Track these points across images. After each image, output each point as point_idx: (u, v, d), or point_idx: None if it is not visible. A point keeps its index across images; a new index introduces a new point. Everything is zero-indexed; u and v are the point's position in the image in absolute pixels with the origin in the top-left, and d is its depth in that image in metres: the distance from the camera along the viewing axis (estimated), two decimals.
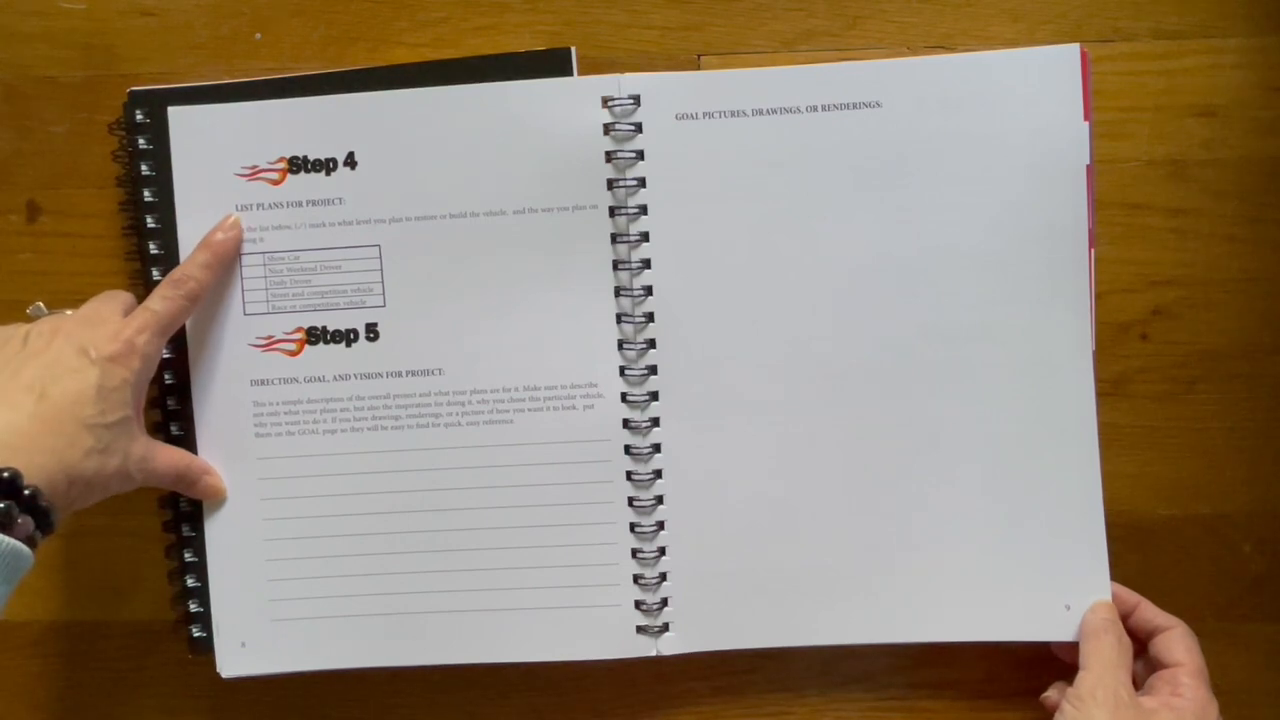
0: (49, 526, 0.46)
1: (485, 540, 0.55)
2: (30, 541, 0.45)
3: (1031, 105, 0.52)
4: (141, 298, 0.56)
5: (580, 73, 0.54)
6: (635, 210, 0.54)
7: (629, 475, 0.54)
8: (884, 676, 0.56)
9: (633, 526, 0.54)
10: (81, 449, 0.48)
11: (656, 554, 0.54)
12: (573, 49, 0.54)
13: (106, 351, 0.49)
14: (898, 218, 0.53)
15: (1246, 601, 0.55)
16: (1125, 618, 0.53)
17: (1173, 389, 0.55)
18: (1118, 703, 0.49)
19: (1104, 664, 0.50)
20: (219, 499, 0.55)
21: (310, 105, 0.54)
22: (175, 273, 0.53)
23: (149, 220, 0.55)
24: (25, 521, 0.45)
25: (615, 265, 0.54)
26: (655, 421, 0.54)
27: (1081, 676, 0.50)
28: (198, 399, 0.55)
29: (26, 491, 0.45)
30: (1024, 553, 0.53)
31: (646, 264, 0.54)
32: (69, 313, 0.52)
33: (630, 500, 0.54)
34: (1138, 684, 0.52)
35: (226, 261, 0.54)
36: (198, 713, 0.59)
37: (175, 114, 0.55)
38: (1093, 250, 0.53)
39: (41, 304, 0.54)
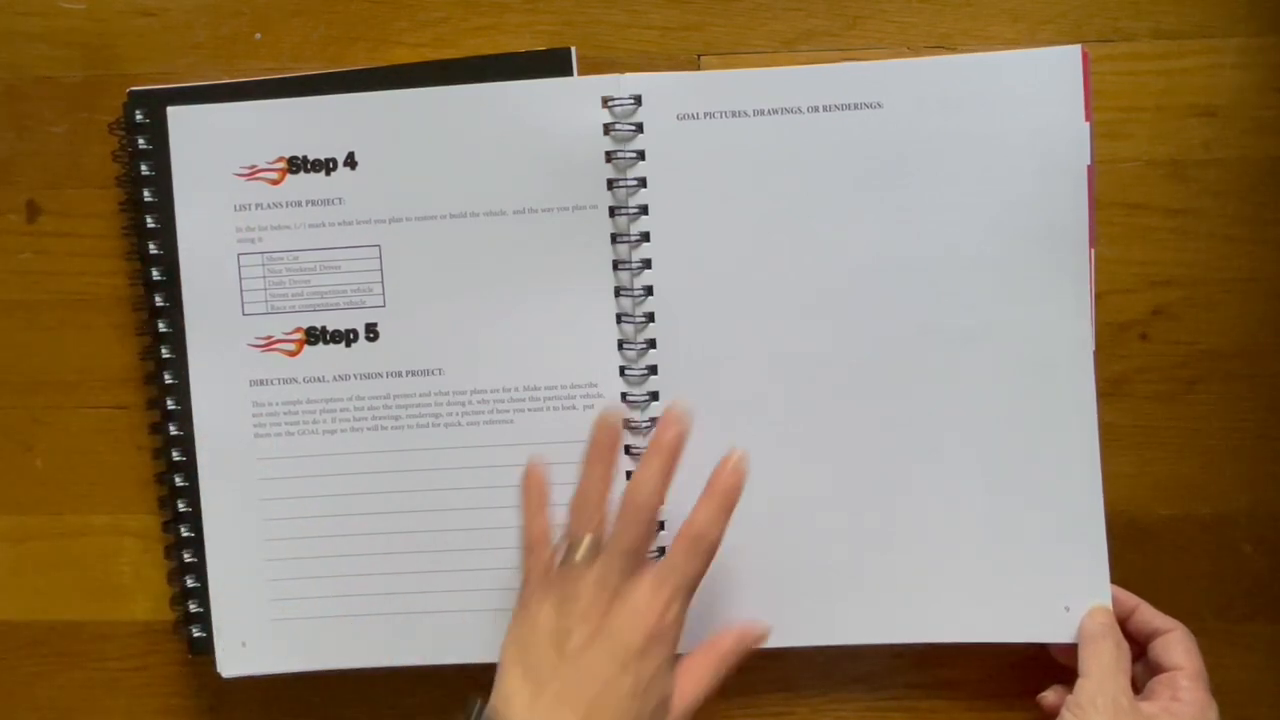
0: None
1: (485, 540, 0.55)
2: None
3: (1032, 106, 0.52)
4: (142, 298, 0.56)
5: (580, 73, 0.54)
6: (635, 210, 0.54)
7: (629, 475, 0.54)
8: (884, 676, 0.56)
9: None
10: None
11: (656, 554, 0.54)
12: (573, 49, 0.54)
13: (639, 643, 0.47)
14: (898, 218, 0.53)
15: (1246, 601, 0.55)
16: (1124, 621, 0.53)
17: (1172, 389, 0.55)
18: (1117, 709, 0.48)
19: (1103, 670, 0.50)
20: (765, 640, 0.51)
21: (310, 105, 0.54)
22: (691, 527, 0.48)
23: (149, 220, 0.55)
24: None
25: (615, 265, 0.54)
26: (655, 421, 0.54)
27: (1081, 683, 0.50)
28: (197, 399, 0.55)
29: None
30: (1024, 554, 0.53)
31: (647, 264, 0.54)
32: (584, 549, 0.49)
33: None
34: (1137, 687, 0.52)
35: (735, 505, 0.49)
36: (198, 713, 0.59)
37: (175, 114, 0.55)
38: (1093, 250, 0.53)
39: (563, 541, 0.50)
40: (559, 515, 0.51)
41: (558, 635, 0.48)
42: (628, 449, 0.54)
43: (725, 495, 0.49)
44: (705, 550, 0.48)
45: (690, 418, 0.49)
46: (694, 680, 0.49)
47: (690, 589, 0.49)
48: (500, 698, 0.47)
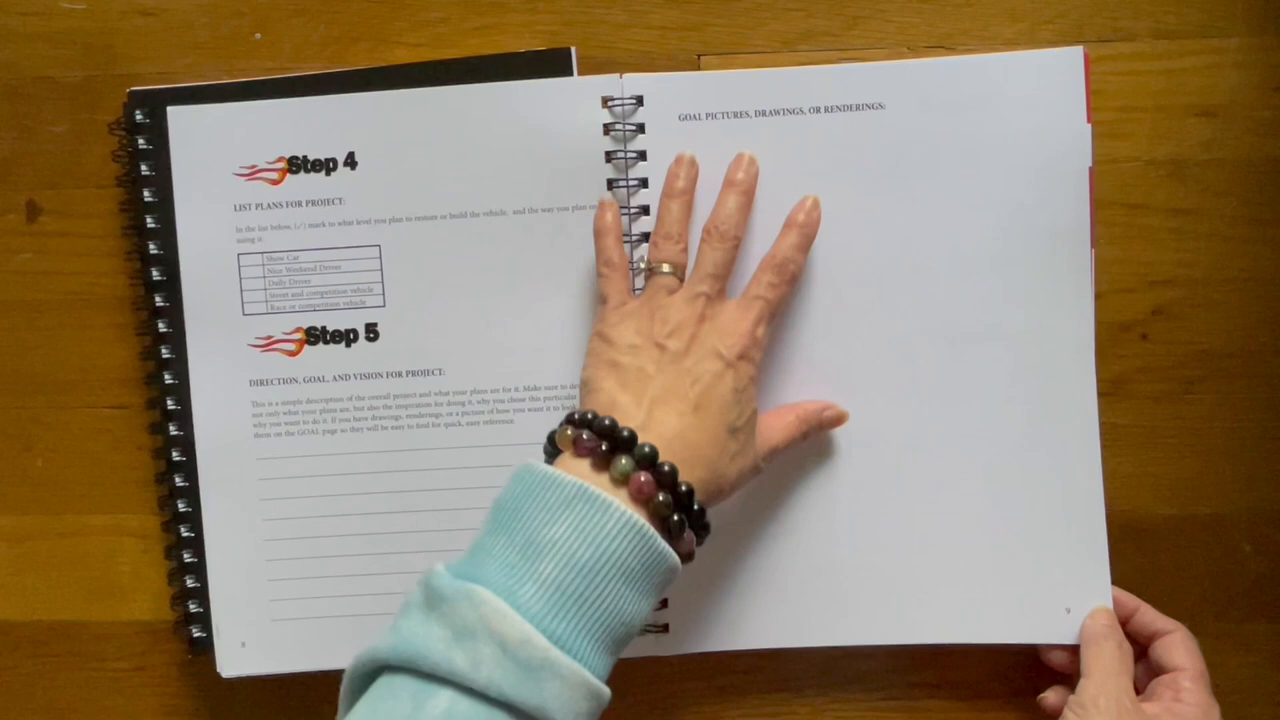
0: (703, 540, 0.47)
1: None
2: (688, 557, 0.46)
3: (1034, 107, 0.52)
4: (142, 298, 0.56)
5: (580, 73, 0.54)
6: (636, 210, 0.54)
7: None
8: (884, 676, 0.56)
9: None
10: (728, 455, 0.47)
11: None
12: (573, 49, 0.54)
13: (736, 350, 0.48)
14: (899, 219, 0.53)
15: (1246, 601, 0.55)
16: (1125, 622, 0.53)
17: (1172, 389, 0.55)
18: (1120, 710, 0.48)
19: (1105, 671, 0.50)
20: (845, 422, 0.53)
21: (310, 105, 0.54)
22: (774, 258, 0.50)
23: (149, 220, 0.55)
24: (689, 538, 0.46)
25: None
26: None
27: (1083, 684, 0.50)
28: (197, 399, 0.55)
29: (696, 508, 0.45)
30: (1024, 555, 0.53)
31: None
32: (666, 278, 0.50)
33: None
34: (1138, 689, 0.52)
35: (813, 240, 0.52)
36: (198, 713, 0.59)
37: (175, 114, 0.55)
38: (1093, 250, 0.53)
39: (642, 260, 0.52)
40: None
41: (654, 346, 0.48)
42: None
43: (804, 228, 0.51)
44: (790, 277, 0.50)
45: (757, 162, 0.52)
46: (781, 425, 0.51)
47: (774, 313, 0.50)
48: (599, 404, 0.47)
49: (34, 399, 0.58)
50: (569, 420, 0.46)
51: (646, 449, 0.45)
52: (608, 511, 0.43)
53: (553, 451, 0.47)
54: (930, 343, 0.53)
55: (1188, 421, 0.55)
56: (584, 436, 0.45)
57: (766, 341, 0.50)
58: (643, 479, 0.44)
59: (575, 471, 0.44)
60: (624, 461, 0.44)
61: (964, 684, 0.56)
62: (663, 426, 0.46)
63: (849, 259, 0.53)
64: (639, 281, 0.52)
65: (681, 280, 0.50)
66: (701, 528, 0.46)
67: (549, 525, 0.42)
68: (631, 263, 0.53)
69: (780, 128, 0.53)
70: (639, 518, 0.43)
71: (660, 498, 0.44)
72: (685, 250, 0.50)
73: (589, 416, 0.46)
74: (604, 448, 0.45)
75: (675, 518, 0.44)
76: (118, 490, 0.58)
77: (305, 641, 0.55)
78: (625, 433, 0.45)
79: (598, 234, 0.51)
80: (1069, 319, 0.53)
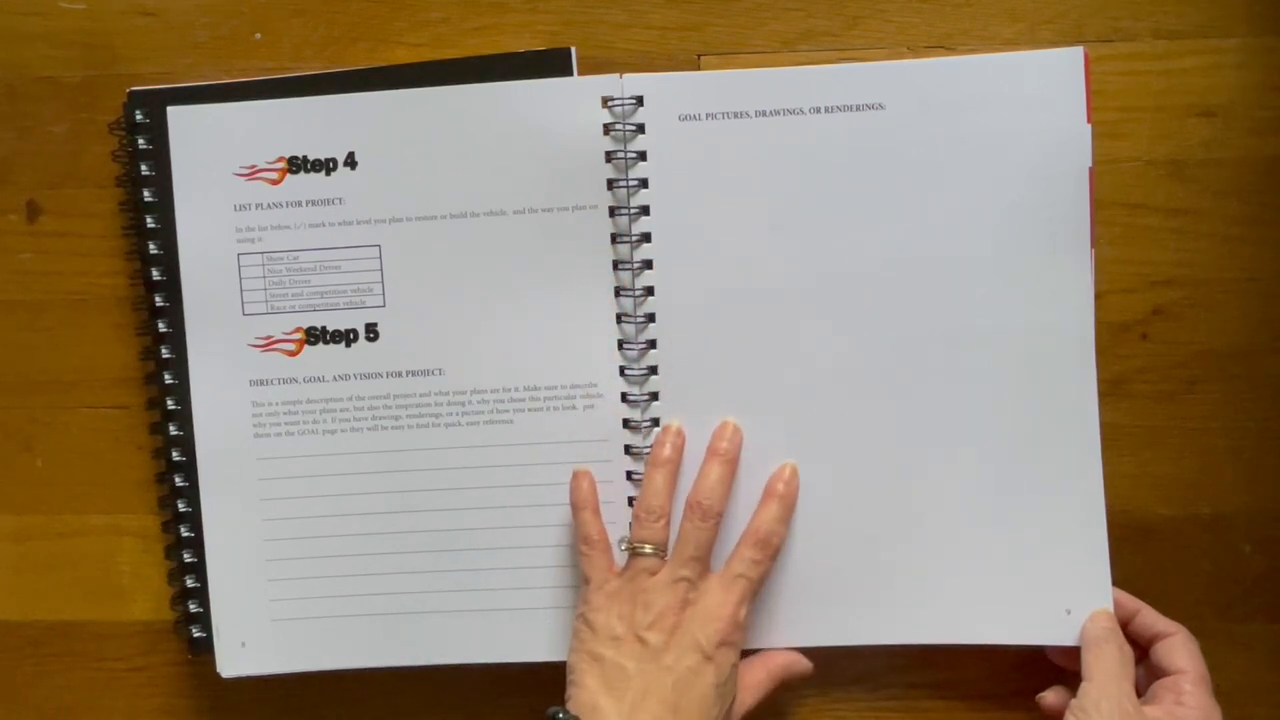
0: None
1: (485, 540, 0.55)
2: None
3: (1034, 108, 0.52)
4: (142, 298, 0.56)
5: (580, 73, 0.54)
6: (636, 210, 0.53)
7: (629, 475, 0.54)
8: (884, 676, 0.56)
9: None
10: None
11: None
12: (573, 49, 0.54)
13: (717, 638, 0.49)
14: (900, 219, 0.53)
15: (1246, 601, 0.55)
16: (1125, 624, 0.53)
17: (1173, 389, 0.55)
18: (1122, 714, 0.48)
19: (1107, 674, 0.50)
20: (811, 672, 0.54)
21: (310, 105, 0.54)
22: (757, 532, 0.51)
23: (149, 220, 0.55)
24: None
25: (616, 265, 0.54)
26: (655, 422, 0.54)
27: (1085, 687, 0.50)
28: (197, 399, 0.55)
29: None
30: (1025, 556, 0.53)
31: (648, 264, 0.53)
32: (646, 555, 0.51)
33: (630, 500, 0.54)
34: (1139, 691, 0.51)
35: (793, 510, 0.52)
36: (198, 713, 0.59)
37: (175, 114, 0.55)
38: (1093, 250, 0.53)
39: (624, 540, 0.52)
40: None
41: (633, 639, 0.49)
42: (627, 449, 0.54)
43: (785, 499, 0.52)
44: (772, 552, 0.51)
45: (741, 431, 0.53)
46: (752, 685, 0.52)
47: (757, 589, 0.51)
48: (583, 709, 0.48)
49: (34, 399, 0.58)
50: (552, 719, 0.48)
51: None
52: None
53: None
54: (930, 343, 0.53)
55: (1188, 421, 0.55)
56: None
57: (750, 620, 0.51)
58: None
59: None
60: None
61: (964, 684, 0.56)
62: None
63: (848, 260, 0.53)
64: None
65: (663, 558, 0.51)
66: None
67: None
68: (631, 259, 0.53)
69: (780, 128, 0.53)
70: None
71: None
72: (667, 526, 0.51)
73: None
74: None
75: None
76: (117, 490, 0.58)
77: (305, 641, 0.55)
78: None
79: (575, 507, 0.52)
80: (1069, 319, 0.53)
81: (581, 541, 0.52)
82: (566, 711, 0.48)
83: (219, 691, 0.58)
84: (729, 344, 0.54)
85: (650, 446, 0.54)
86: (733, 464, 0.52)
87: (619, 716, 0.47)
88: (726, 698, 0.49)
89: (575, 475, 0.53)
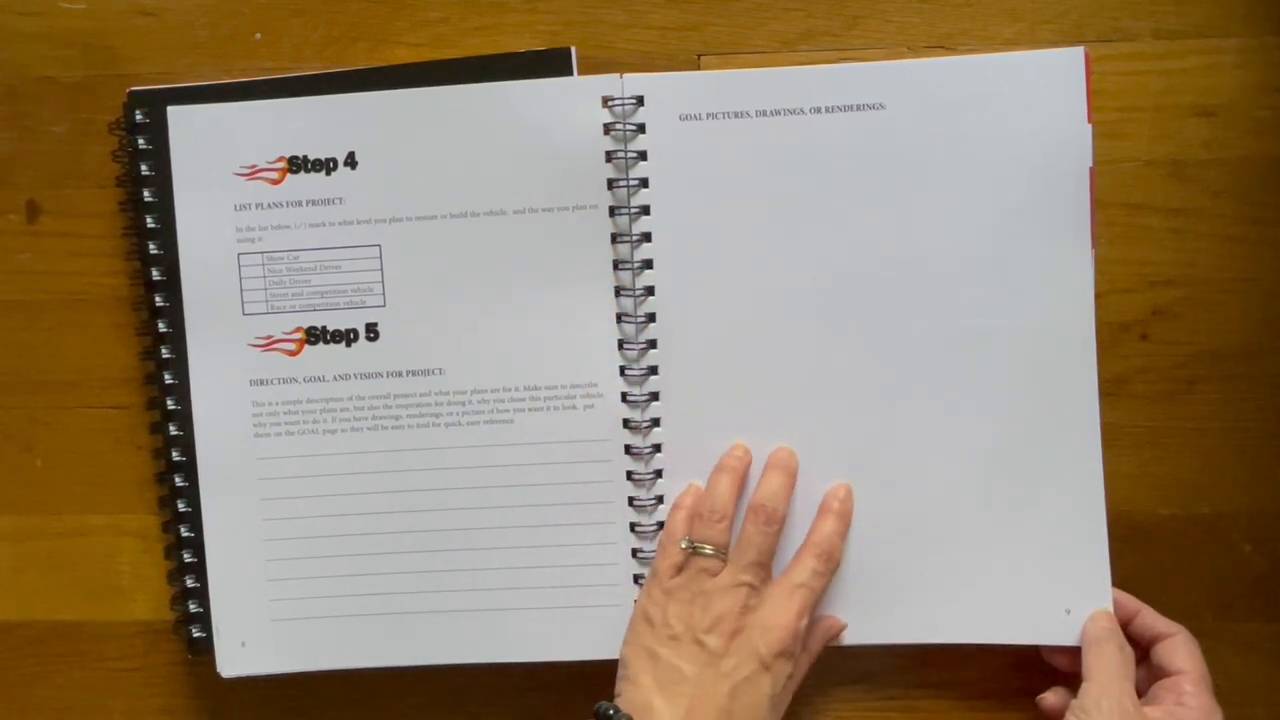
0: None
1: (485, 540, 0.55)
2: None
3: (1035, 108, 0.52)
4: (142, 298, 0.56)
5: (580, 73, 0.54)
6: (636, 210, 0.54)
7: (629, 475, 0.54)
8: (884, 676, 0.56)
9: (633, 526, 0.54)
10: None
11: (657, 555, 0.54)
12: (573, 49, 0.54)
13: (777, 648, 0.49)
14: (900, 219, 0.53)
15: (1246, 601, 0.55)
16: (1126, 624, 0.53)
17: (1173, 389, 0.55)
18: (1123, 714, 0.48)
19: (1108, 675, 0.50)
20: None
21: (310, 105, 0.54)
22: (819, 545, 0.51)
23: (149, 220, 0.55)
24: None
25: (616, 265, 0.54)
26: (655, 421, 0.54)
27: (1085, 688, 0.50)
28: (197, 399, 0.55)
29: None
30: (1025, 556, 0.53)
31: (648, 264, 0.54)
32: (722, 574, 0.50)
33: (630, 500, 0.54)
34: (1140, 692, 0.51)
35: (849, 526, 0.53)
36: (198, 713, 0.59)
37: (175, 114, 0.55)
38: (1093, 250, 0.53)
39: (686, 539, 0.51)
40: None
41: (692, 640, 0.49)
42: (627, 449, 0.54)
43: (842, 515, 0.52)
44: (834, 566, 0.52)
45: (796, 455, 0.53)
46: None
47: (817, 602, 0.51)
48: (635, 707, 0.48)
49: (34, 399, 0.58)
50: (604, 716, 0.47)
51: None
52: None
53: None
54: (930, 343, 0.53)
55: (1188, 421, 0.55)
56: None
57: (805, 631, 0.50)
58: None
59: None
60: None
61: (964, 684, 0.56)
62: None
63: (848, 259, 0.53)
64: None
65: (723, 560, 0.51)
66: None
67: None
68: (632, 250, 0.53)
69: (780, 128, 0.53)
70: None
71: None
72: (728, 529, 0.51)
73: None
74: None
75: None
76: (118, 490, 0.58)
77: (305, 641, 0.55)
78: None
79: (677, 506, 0.52)
80: (1069, 319, 0.53)
81: (665, 536, 0.52)
82: (618, 710, 0.47)
83: (219, 691, 0.58)
84: (729, 344, 0.54)
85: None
86: (793, 476, 0.52)
87: (672, 718, 0.47)
88: (780, 709, 0.49)
89: (692, 486, 0.53)
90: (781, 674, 0.49)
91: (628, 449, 0.54)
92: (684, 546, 0.51)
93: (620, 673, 0.50)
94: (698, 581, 0.50)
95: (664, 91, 0.53)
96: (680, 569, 0.51)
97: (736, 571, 0.50)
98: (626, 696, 0.49)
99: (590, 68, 0.55)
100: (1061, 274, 0.52)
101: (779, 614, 0.49)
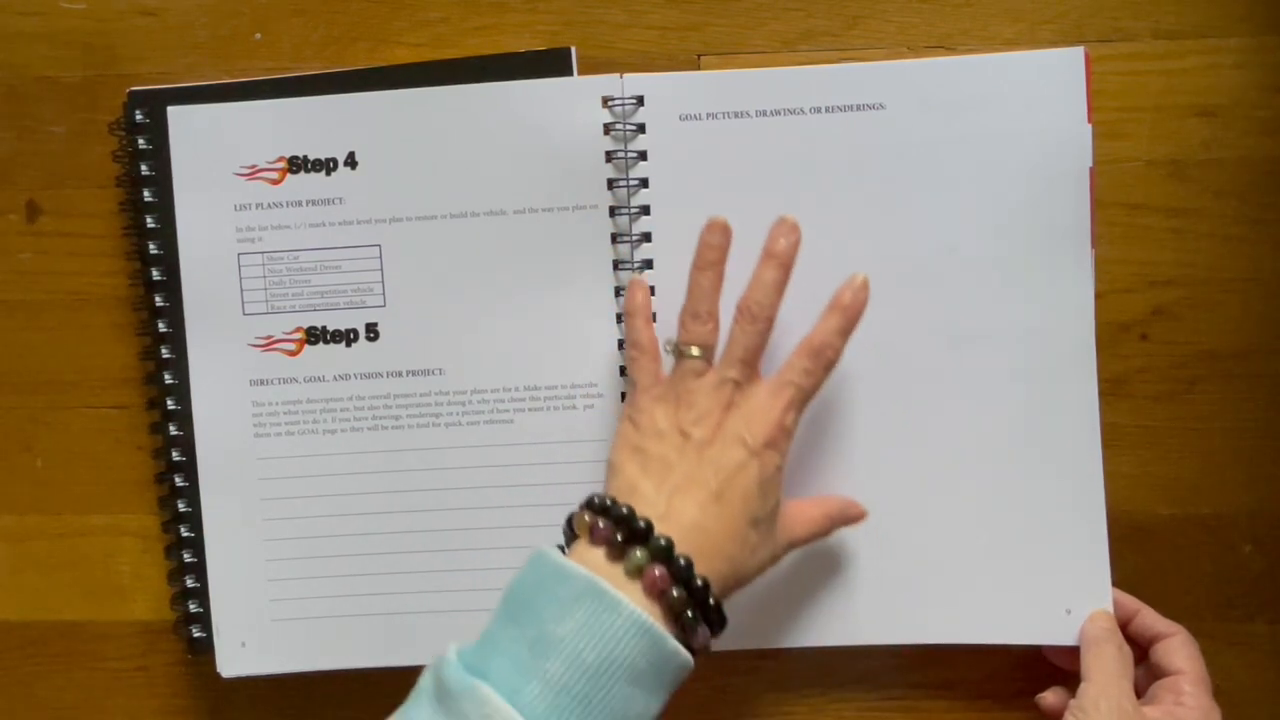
0: (718, 634, 0.45)
1: (485, 540, 0.55)
2: (702, 651, 0.45)
3: (1035, 108, 0.52)
4: (142, 298, 0.56)
5: (580, 73, 0.54)
6: (636, 210, 0.54)
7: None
8: (884, 676, 0.56)
9: None
10: (749, 547, 0.46)
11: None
12: (573, 49, 0.54)
13: (763, 438, 0.47)
14: (900, 219, 0.53)
15: (1246, 601, 0.55)
16: (1125, 624, 0.53)
17: (1173, 389, 0.55)
18: (1121, 714, 0.48)
19: (1106, 675, 0.50)
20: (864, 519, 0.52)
21: (310, 105, 0.54)
22: (812, 342, 0.48)
23: (149, 220, 0.55)
24: (704, 633, 0.44)
25: (616, 265, 0.54)
26: None
27: (1084, 688, 0.50)
28: (197, 399, 0.55)
29: (712, 602, 0.44)
30: (1025, 556, 0.53)
31: (648, 264, 0.54)
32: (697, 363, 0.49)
33: None
34: (1139, 692, 0.51)
35: (856, 324, 0.49)
36: (198, 713, 0.59)
37: (175, 114, 0.55)
38: (1093, 250, 0.53)
39: (670, 343, 0.50)
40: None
41: (677, 433, 0.47)
42: None
43: (847, 312, 0.49)
44: (826, 364, 0.49)
45: (799, 228, 0.49)
46: (805, 520, 0.50)
47: (806, 400, 0.49)
48: (620, 490, 0.46)
49: (34, 399, 0.58)
50: (588, 504, 0.46)
51: (662, 541, 0.44)
52: (617, 610, 0.42)
53: (570, 535, 0.46)
54: (930, 343, 0.53)
55: (1188, 421, 0.55)
56: (600, 524, 0.45)
57: (795, 430, 0.49)
58: (657, 573, 0.43)
59: (589, 561, 0.44)
60: (638, 554, 0.43)
61: (964, 684, 0.56)
62: (682, 516, 0.45)
63: (848, 260, 0.53)
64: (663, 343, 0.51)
65: (710, 361, 0.49)
66: (718, 622, 0.45)
67: (558, 621, 0.42)
68: (630, 241, 0.53)
69: (780, 128, 0.53)
70: (649, 618, 0.42)
71: (674, 593, 0.43)
72: (715, 329, 0.49)
73: (607, 503, 0.45)
74: (619, 537, 0.44)
75: (689, 613, 0.43)
76: (117, 490, 0.58)
77: (305, 641, 0.55)
78: (642, 523, 0.44)
79: (628, 314, 0.51)
80: (1069, 319, 0.53)
81: (631, 347, 0.50)
82: (603, 495, 0.46)
83: (219, 691, 0.58)
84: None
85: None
86: (787, 268, 0.49)
87: (659, 496, 0.45)
88: (770, 497, 0.47)
89: (632, 283, 0.51)
90: (770, 464, 0.47)
91: None
92: (668, 351, 0.49)
93: (607, 474, 0.48)
94: (683, 382, 0.48)
95: (664, 91, 0.53)
96: (660, 376, 0.50)
97: (722, 369, 0.48)
98: (612, 486, 0.47)
99: (590, 68, 0.55)
100: (1061, 274, 0.52)
101: (765, 409, 0.47)
